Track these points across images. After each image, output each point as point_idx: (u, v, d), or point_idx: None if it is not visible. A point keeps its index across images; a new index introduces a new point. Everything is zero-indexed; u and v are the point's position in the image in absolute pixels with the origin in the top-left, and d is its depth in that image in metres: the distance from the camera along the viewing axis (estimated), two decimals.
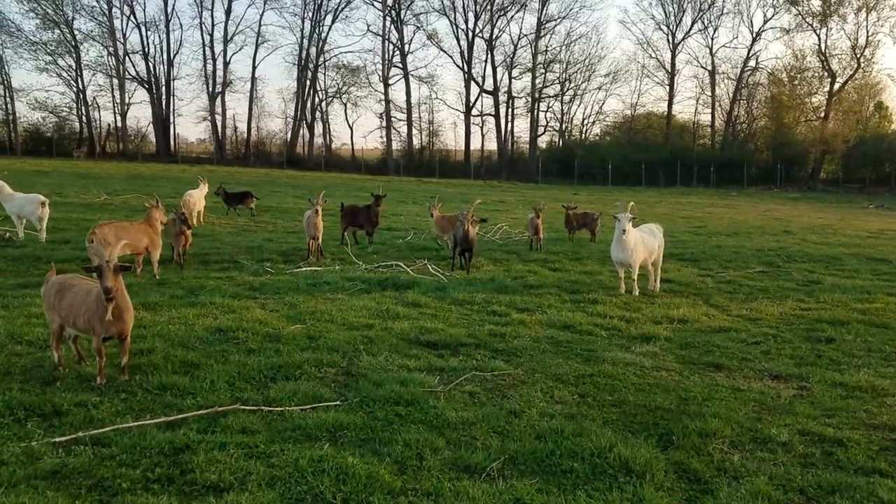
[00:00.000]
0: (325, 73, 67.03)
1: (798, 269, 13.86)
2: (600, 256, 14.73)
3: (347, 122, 79.04)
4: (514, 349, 7.54)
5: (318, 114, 67.48)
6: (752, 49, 62.76)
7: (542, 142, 68.01)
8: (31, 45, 61.79)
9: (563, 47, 65.10)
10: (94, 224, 11.14)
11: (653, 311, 9.63)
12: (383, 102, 65.05)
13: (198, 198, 18.64)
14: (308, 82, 65.36)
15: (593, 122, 69.36)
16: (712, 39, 63.78)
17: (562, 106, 66.96)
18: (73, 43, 62.88)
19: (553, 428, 5.26)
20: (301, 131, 66.86)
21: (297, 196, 29.36)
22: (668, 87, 64.93)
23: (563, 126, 68.04)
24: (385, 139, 65.18)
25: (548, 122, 67.50)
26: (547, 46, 65.25)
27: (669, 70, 64.57)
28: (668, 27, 64.33)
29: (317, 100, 66.83)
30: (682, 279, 12.24)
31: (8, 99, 62.24)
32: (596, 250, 15.69)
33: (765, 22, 62.99)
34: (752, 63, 63.17)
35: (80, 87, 64.61)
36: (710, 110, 65.44)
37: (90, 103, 65.62)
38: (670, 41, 64.31)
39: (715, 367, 7.19)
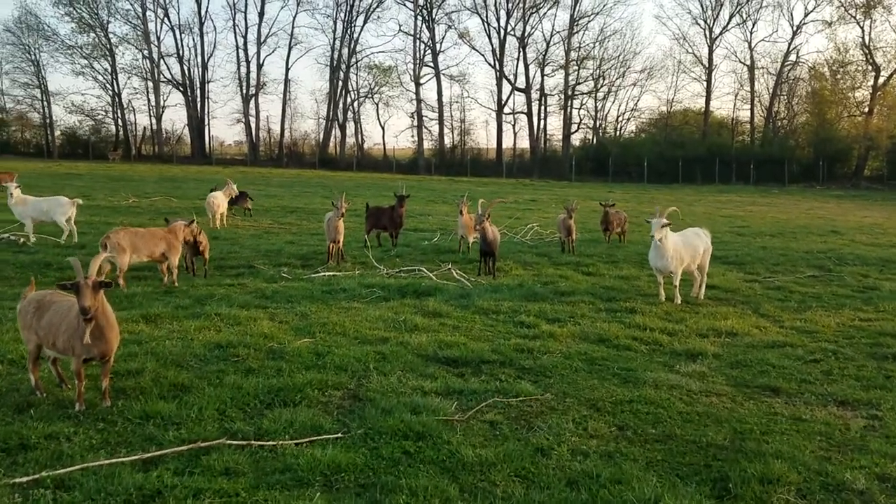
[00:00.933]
0: (356, 74, 66.76)
1: (851, 274, 12.87)
2: (637, 259, 13.87)
3: (379, 121, 78.37)
4: (543, 367, 6.78)
5: (350, 114, 67.19)
6: (792, 43, 60.90)
7: (576, 139, 66.92)
8: (66, 49, 62.55)
9: (597, 43, 63.92)
10: (112, 228, 10.65)
11: (697, 323, 8.79)
12: (414, 102, 64.52)
13: (221, 199, 18.21)
14: (340, 83, 65.05)
15: (628, 119, 68.01)
16: (751, 33, 62.28)
17: (595, 103, 65.78)
18: (108, 46, 63.42)
19: (587, 471, 4.49)
20: (333, 132, 66.61)
21: (326, 196, 28.82)
22: (705, 83, 63.31)
23: (597, 123, 66.82)
24: (416, 138, 64.65)
25: (581, 120, 66.35)
26: (580, 43, 64.07)
27: (707, 65, 62.95)
28: (705, 21, 62.71)
29: (349, 100, 66.56)
30: (727, 285, 11.35)
31: (45, 102, 63.07)
32: (633, 252, 14.82)
33: (806, 14, 61.06)
34: (792, 57, 61.34)
35: (116, 90, 65.20)
36: (749, 106, 63.77)
37: (125, 106, 66.20)
38: (707, 36, 62.69)
39: (772, 391, 6.35)
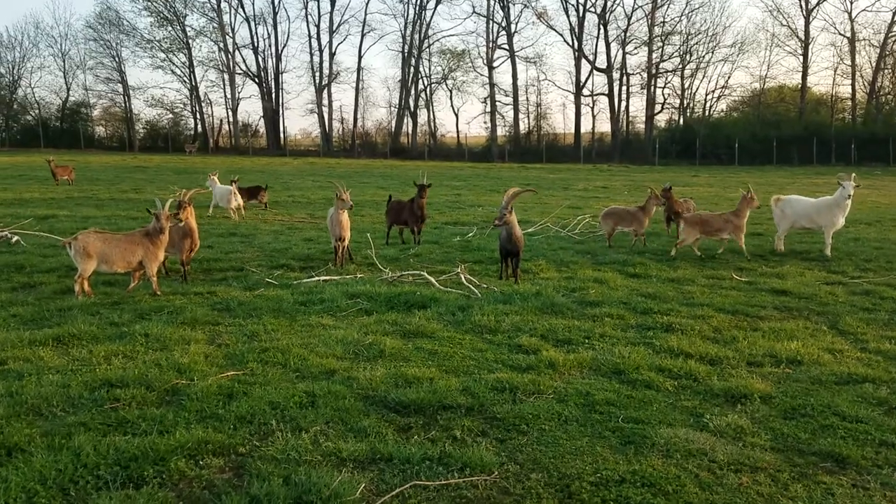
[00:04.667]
0: (429, 60, 65.43)
1: None
2: (698, 257, 11.78)
3: (453, 108, 77.04)
4: (521, 417, 5.03)
5: (422, 101, 65.96)
6: None
7: (661, 121, 63.62)
8: (146, 44, 63.71)
9: (683, 17, 60.53)
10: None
11: (753, 344, 6.80)
12: (487, 86, 62.58)
13: (234, 193, 17.28)
14: (412, 69, 63.84)
15: (718, 98, 64.15)
16: (851, 3, 57.74)
17: (682, 81, 62.43)
18: (184, 40, 64.26)
19: None
20: (405, 120, 65.55)
21: (381, 187, 27.49)
22: (801, 58, 58.99)
23: (684, 103, 63.30)
24: (489, 124, 62.77)
25: (665, 100, 63.02)
26: (664, 17, 60.78)
27: (803, 38, 58.57)
28: None
29: (421, 86, 65.30)
30: (801, 289, 9.21)
31: (126, 97, 64.50)
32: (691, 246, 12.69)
33: None
34: None
35: (193, 83, 66.09)
36: (849, 81, 59.15)
37: (203, 99, 67.07)
38: (803, 7, 58.27)
39: (835, 462, 4.40)
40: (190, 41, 64.31)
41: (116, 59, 63.31)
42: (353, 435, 4.74)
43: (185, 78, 65.95)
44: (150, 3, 62.32)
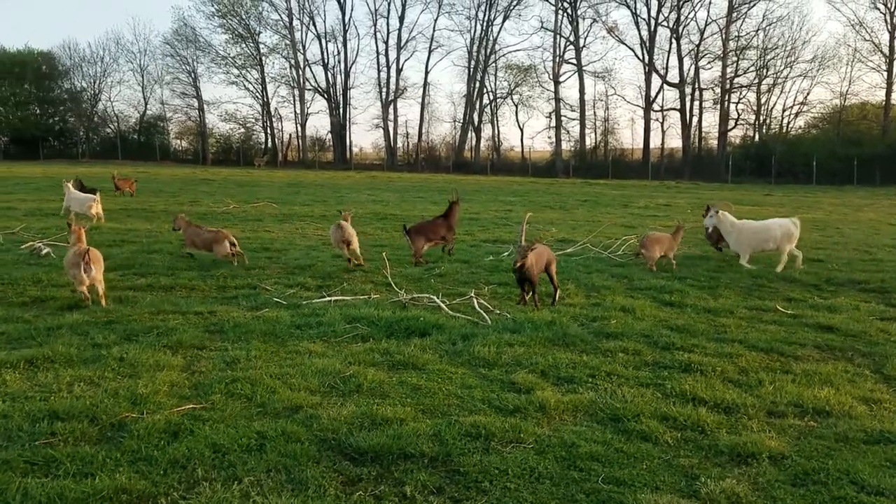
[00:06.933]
0: (494, 75, 65.04)
1: None
2: (748, 284, 10.91)
3: (518, 123, 76.01)
4: (487, 472, 4.43)
5: (486, 116, 65.58)
6: None
7: (735, 137, 61.39)
8: (221, 60, 65.33)
9: (760, 31, 58.29)
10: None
11: (779, 390, 6.00)
12: (553, 101, 61.71)
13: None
14: (477, 84, 63.55)
15: (796, 115, 61.45)
16: None
17: (758, 97, 60.03)
18: (258, 57, 65.61)
19: None
20: (469, 134, 65.22)
21: (434, 202, 27.08)
22: (885, 73, 55.94)
23: (760, 119, 60.91)
24: (554, 139, 61.81)
25: (739, 115, 60.77)
26: (739, 32, 58.69)
27: (887, 54, 55.56)
28: (885, 5, 55.31)
29: (486, 101, 64.95)
30: (850, 325, 8.25)
31: (199, 111, 66.23)
32: (745, 273, 11.78)
33: None
34: None
35: (265, 98, 67.38)
36: None
37: (273, 114, 68.28)
38: (888, 21, 55.29)
39: None
40: (263, 58, 65.64)
41: (192, 74, 65.15)
42: (292, 488, 4.24)
43: (257, 94, 67.34)
44: (225, 21, 63.95)
